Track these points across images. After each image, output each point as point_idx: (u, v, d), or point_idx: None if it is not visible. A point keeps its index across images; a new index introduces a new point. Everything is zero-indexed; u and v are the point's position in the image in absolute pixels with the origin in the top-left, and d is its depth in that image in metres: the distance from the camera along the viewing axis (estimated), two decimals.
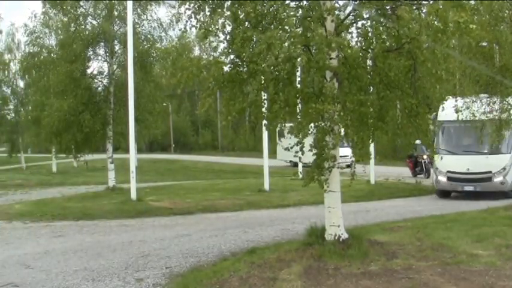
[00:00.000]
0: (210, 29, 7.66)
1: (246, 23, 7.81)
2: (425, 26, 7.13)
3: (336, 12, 8.27)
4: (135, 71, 18.64)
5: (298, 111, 8.72)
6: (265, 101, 8.73)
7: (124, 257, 9.59)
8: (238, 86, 8.18)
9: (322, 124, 7.88)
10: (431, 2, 8.14)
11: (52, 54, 22.73)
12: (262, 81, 8.09)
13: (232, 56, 8.13)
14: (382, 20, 8.24)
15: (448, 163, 17.36)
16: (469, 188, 17.54)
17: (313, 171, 8.09)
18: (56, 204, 17.63)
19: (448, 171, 17.55)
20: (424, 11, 7.91)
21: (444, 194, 18.35)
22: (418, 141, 22.50)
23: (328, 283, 7.17)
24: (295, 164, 28.46)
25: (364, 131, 8.63)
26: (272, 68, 7.37)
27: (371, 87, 8.75)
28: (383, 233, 10.16)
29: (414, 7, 7.99)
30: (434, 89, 8.47)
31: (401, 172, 25.97)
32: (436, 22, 7.26)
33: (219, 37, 8.02)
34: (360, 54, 8.24)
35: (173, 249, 10.21)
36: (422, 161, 25.32)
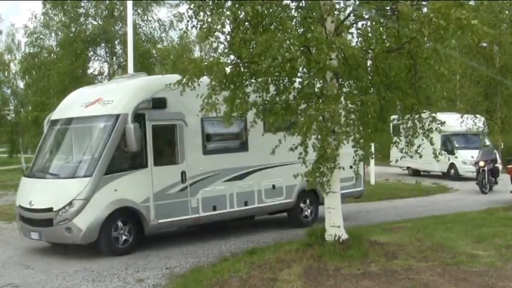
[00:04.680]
0: (211, 28, 7.65)
1: (246, 23, 7.82)
2: (427, 23, 7.09)
3: (336, 12, 8.27)
4: (135, 72, 18.64)
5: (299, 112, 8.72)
6: (266, 102, 8.73)
7: (124, 258, 9.59)
8: (240, 87, 8.19)
9: (324, 125, 7.87)
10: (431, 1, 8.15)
11: (52, 55, 22.76)
12: (263, 82, 8.10)
13: (232, 57, 8.14)
14: (382, 20, 8.24)
15: (23, 192, 10.63)
16: (35, 235, 10.10)
17: (316, 172, 8.08)
18: None
19: (20, 206, 10.46)
20: (425, 10, 7.90)
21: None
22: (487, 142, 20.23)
23: (328, 284, 7.17)
24: (415, 172, 25.82)
25: (365, 131, 8.62)
26: (272, 68, 7.37)
27: (371, 88, 8.75)
28: (383, 234, 10.15)
29: (415, 7, 7.98)
30: (435, 88, 8.46)
31: (402, 172, 25.99)
32: (437, 19, 7.23)
33: (219, 37, 8.03)
34: (360, 54, 8.24)
35: (173, 250, 10.22)
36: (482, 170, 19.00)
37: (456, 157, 23.36)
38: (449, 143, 23.64)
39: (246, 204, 11.42)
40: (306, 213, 12.56)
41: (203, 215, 10.82)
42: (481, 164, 18.78)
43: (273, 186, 11.81)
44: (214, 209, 10.97)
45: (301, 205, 12.42)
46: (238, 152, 11.40)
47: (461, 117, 18.36)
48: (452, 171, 23.75)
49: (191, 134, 10.71)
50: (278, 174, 11.68)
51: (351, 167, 12.08)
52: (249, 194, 11.46)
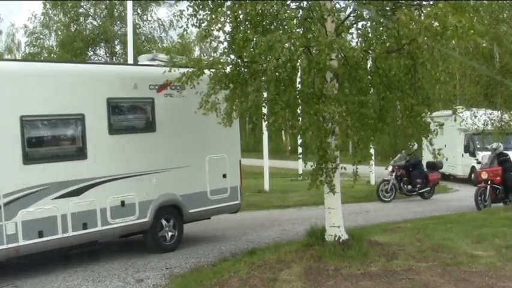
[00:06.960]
0: (212, 28, 7.66)
1: (246, 23, 7.82)
2: (424, 29, 7.11)
3: (336, 13, 8.27)
4: None
5: (299, 112, 8.73)
6: (266, 102, 8.74)
7: (124, 258, 9.59)
8: (240, 87, 8.19)
9: (324, 125, 7.87)
10: (431, 2, 8.15)
11: (52, 55, 22.78)
12: (263, 82, 8.10)
13: (232, 56, 8.15)
14: (382, 20, 8.24)
15: None
16: None
17: (318, 173, 8.08)
18: None
19: None
20: (424, 12, 7.91)
21: None
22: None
23: (328, 284, 7.17)
24: (442, 176, 21.52)
25: (365, 132, 8.62)
26: (273, 68, 7.37)
27: (371, 88, 8.75)
28: (383, 234, 10.14)
29: (414, 8, 7.99)
30: (434, 89, 8.46)
31: None
32: (435, 25, 7.24)
33: (219, 37, 8.04)
34: (361, 55, 8.24)
35: None
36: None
37: (477, 159, 19.83)
38: (471, 144, 21.48)
39: (85, 227, 8.86)
40: (167, 234, 10.13)
41: (24, 244, 8.21)
42: (389, 168, 17.45)
43: (122, 203, 9.30)
44: (41, 235, 8.37)
45: (161, 225, 10.00)
46: (74, 160, 8.91)
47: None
48: (473, 175, 20.20)
49: (6, 137, 8.09)
50: (129, 187, 9.36)
51: (224, 175, 10.88)
52: (88, 214, 8.91)
